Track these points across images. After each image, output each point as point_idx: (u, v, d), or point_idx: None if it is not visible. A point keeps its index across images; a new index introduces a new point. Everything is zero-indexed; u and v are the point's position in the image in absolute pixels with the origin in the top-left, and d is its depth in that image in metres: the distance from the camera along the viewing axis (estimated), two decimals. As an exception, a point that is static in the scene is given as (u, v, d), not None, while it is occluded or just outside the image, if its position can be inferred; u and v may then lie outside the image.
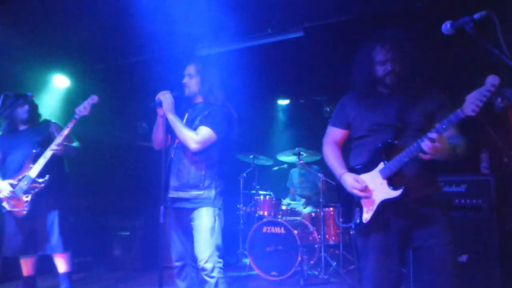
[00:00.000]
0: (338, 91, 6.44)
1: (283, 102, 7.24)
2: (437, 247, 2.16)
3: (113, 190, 6.11)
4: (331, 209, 5.32)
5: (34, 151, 3.57)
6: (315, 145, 5.68)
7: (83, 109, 3.50)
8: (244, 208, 5.54)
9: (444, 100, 2.31)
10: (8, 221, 3.64)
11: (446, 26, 1.94)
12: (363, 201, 2.31)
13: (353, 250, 2.39)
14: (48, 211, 3.65)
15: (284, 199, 6.00)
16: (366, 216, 2.28)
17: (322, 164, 5.88)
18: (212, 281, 2.79)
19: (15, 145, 3.71)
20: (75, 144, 3.80)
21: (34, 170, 3.49)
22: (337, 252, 5.22)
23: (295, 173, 6.24)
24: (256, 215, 5.37)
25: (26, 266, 3.74)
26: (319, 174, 5.23)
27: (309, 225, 5.24)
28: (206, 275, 2.81)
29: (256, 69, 5.66)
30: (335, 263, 4.96)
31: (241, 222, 5.55)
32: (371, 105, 2.35)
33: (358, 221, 2.31)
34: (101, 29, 4.84)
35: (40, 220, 3.62)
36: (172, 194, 2.92)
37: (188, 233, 2.97)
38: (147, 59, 5.58)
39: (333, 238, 5.21)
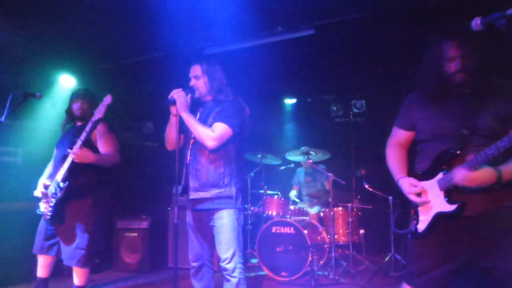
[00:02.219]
0: (346, 91, 6.60)
1: (290, 101, 7.21)
2: (505, 268, 1.97)
3: (119, 191, 6.04)
4: (340, 208, 5.30)
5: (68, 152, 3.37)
6: (323, 144, 5.74)
7: (99, 112, 3.34)
8: (252, 208, 5.50)
9: None
10: (42, 220, 3.58)
11: (476, 23, 1.84)
12: (420, 209, 2.20)
13: (406, 255, 2.25)
14: (70, 220, 3.47)
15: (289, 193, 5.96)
16: (421, 225, 2.17)
17: (329, 164, 5.89)
18: (234, 281, 2.77)
19: (62, 142, 3.64)
20: (107, 151, 3.55)
21: (60, 173, 3.39)
22: (347, 252, 5.20)
23: (301, 172, 6.21)
24: (264, 215, 5.33)
25: (40, 266, 3.62)
26: (329, 174, 5.18)
27: (318, 225, 5.21)
28: (228, 275, 2.78)
29: (264, 67, 5.63)
30: (345, 263, 4.93)
31: (249, 222, 5.51)
32: (437, 107, 2.19)
33: (413, 229, 2.21)
34: (107, 29, 4.79)
35: (63, 227, 3.47)
36: (193, 195, 2.88)
37: (206, 234, 2.94)
38: (153, 58, 5.52)
39: (342, 238, 5.20)
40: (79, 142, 3.28)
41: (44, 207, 3.48)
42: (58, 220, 3.45)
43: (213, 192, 2.83)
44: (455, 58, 2.09)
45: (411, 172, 2.32)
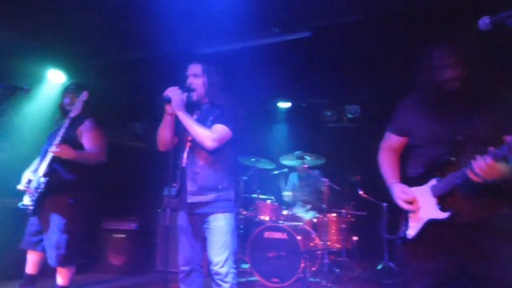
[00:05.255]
0: (340, 95, 6.56)
1: (285, 105, 7.13)
2: (499, 278, 1.92)
3: (106, 191, 5.91)
4: (334, 215, 5.25)
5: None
6: (317, 149, 5.68)
7: (76, 108, 3.32)
8: (244, 212, 5.40)
9: None
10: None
11: (485, 22, 1.79)
12: (410, 216, 2.18)
13: (397, 262, 2.26)
14: (50, 217, 3.38)
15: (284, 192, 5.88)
16: (411, 232, 2.15)
17: (324, 169, 5.82)
18: (226, 286, 2.66)
19: (50, 138, 3.56)
20: (92, 147, 3.46)
21: (41, 168, 3.33)
22: (339, 259, 5.15)
23: (293, 177, 6.12)
24: (257, 219, 5.23)
25: (29, 263, 3.52)
26: (324, 179, 5.10)
27: (311, 231, 5.12)
28: (220, 279, 2.67)
29: (258, 70, 5.53)
30: (338, 270, 4.86)
31: (241, 226, 5.40)
32: (430, 113, 2.18)
33: (403, 235, 2.19)
34: (99, 25, 4.68)
35: (44, 223, 3.39)
36: (191, 199, 2.77)
37: (199, 237, 2.85)
38: (144, 56, 5.42)
39: (335, 244, 5.13)
40: (57, 139, 3.27)
41: (27, 200, 3.40)
42: (39, 216, 3.39)
43: (212, 195, 2.75)
44: (447, 67, 2.07)
45: (403, 176, 2.31)
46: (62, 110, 3.69)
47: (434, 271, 2.06)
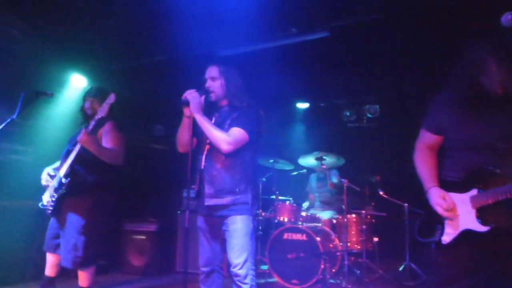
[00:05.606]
0: (359, 95, 6.50)
1: (303, 105, 7.09)
2: None
3: (127, 193, 5.98)
4: (354, 215, 5.19)
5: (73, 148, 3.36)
6: (336, 150, 5.63)
7: (102, 110, 3.30)
8: (263, 214, 5.38)
9: None
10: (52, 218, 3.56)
11: (507, 18, 1.77)
12: (446, 222, 2.11)
13: (428, 264, 2.21)
14: (68, 217, 3.37)
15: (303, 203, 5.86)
16: (446, 238, 2.08)
17: (343, 169, 5.77)
18: (246, 287, 2.66)
19: (71, 140, 3.61)
20: (109, 148, 3.46)
21: (63, 169, 3.36)
22: (360, 260, 5.06)
23: (314, 178, 6.10)
24: (276, 221, 5.22)
25: (48, 265, 3.55)
26: (342, 180, 5.05)
27: (331, 232, 5.09)
28: (239, 281, 2.67)
29: (276, 70, 5.53)
30: (358, 271, 4.82)
31: (260, 228, 5.39)
32: (470, 114, 2.08)
33: (437, 239, 2.12)
34: (120, 29, 4.75)
35: (63, 224, 3.39)
36: (208, 202, 2.78)
37: (218, 238, 2.86)
38: (165, 59, 5.46)
39: (355, 245, 5.07)
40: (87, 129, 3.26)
41: (46, 201, 3.43)
42: (58, 217, 3.41)
43: (229, 198, 2.74)
44: (495, 74, 2.00)
45: (440, 178, 2.21)
46: (83, 114, 3.73)
47: (470, 275, 2.00)
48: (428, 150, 2.33)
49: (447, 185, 2.14)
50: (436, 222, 2.15)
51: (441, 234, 2.10)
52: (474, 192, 2.02)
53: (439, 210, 2.08)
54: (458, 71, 2.15)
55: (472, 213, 2.00)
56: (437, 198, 2.09)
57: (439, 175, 2.22)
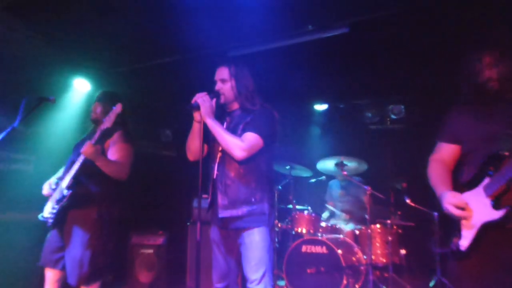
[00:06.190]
0: (382, 94, 6.20)
1: (321, 107, 6.81)
2: None
3: (134, 203, 5.84)
4: (378, 226, 4.97)
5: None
6: (357, 154, 5.35)
7: (108, 120, 3.16)
8: (279, 225, 5.17)
9: None
10: (53, 231, 3.42)
11: None
12: (463, 223, 2.09)
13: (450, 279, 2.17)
14: (73, 231, 3.24)
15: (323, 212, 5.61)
16: (464, 242, 2.06)
17: (364, 175, 5.50)
18: None
19: (78, 147, 3.47)
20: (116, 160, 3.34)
21: (65, 180, 3.24)
22: (386, 275, 4.84)
23: (335, 185, 5.82)
24: (293, 232, 5.01)
25: (48, 282, 3.38)
26: (365, 187, 4.78)
27: (353, 244, 4.86)
28: None
29: (292, 70, 5.37)
30: (384, 287, 4.60)
31: (276, 240, 5.16)
32: (478, 114, 2.22)
33: (455, 248, 2.10)
34: (124, 31, 4.59)
35: (67, 238, 3.26)
36: (222, 213, 2.66)
37: (233, 252, 2.76)
38: (173, 60, 5.28)
39: (381, 259, 4.85)
40: (92, 141, 3.14)
41: (47, 212, 3.29)
42: (60, 229, 3.28)
43: (244, 209, 2.65)
44: (488, 67, 2.18)
45: (454, 185, 2.24)
46: (93, 119, 3.64)
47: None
48: (442, 163, 2.36)
49: (461, 188, 2.17)
50: (452, 229, 2.15)
51: (459, 239, 2.10)
52: (486, 181, 2.06)
53: (451, 209, 2.08)
54: (462, 79, 2.30)
55: (487, 203, 2.02)
56: (449, 197, 2.11)
57: (455, 183, 2.25)
